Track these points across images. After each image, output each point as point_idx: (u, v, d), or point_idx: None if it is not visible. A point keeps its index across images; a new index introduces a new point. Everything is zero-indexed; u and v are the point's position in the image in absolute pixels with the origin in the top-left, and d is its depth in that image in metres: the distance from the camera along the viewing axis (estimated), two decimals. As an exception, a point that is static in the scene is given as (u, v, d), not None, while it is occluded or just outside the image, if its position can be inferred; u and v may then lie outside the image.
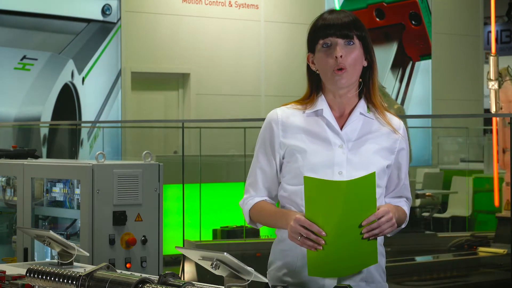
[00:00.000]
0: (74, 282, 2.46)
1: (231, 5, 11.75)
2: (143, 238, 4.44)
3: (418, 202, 10.16)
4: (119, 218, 4.36)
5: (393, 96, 12.89)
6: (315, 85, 2.78)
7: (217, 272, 2.44)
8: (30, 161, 4.88)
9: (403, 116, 13.01)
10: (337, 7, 12.27)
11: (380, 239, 2.74)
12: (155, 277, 2.43)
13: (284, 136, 2.75)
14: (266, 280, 2.41)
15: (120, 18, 10.87)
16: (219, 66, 11.60)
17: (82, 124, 10.64)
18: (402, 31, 12.89)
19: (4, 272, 2.86)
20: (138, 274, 2.48)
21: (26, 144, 9.91)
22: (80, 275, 2.46)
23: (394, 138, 2.77)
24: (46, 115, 10.32)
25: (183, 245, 7.15)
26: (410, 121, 12.82)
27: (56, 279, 2.51)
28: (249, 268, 2.38)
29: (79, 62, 10.58)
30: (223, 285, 2.45)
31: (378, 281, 2.74)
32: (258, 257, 7.26)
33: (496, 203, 8.29)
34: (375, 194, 2.56)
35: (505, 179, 8.20)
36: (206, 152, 9.67)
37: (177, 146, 9.53)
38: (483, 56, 14.10)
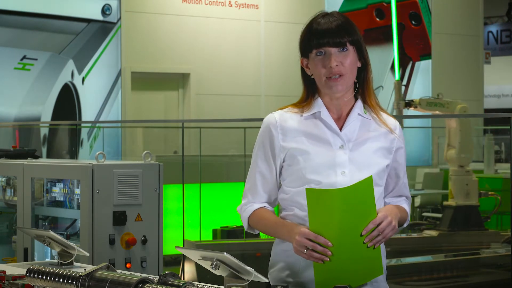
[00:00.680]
0: (74, 282, 2.46)
1: (231, 5, 11.75)
2: (143, 238, 4.44)
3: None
4: (119, 218, 4.36)
5: (393, 96, 12.90)
6: (311, 88, 2.79)
7: (217, 272, 2.44)
8: (30, 161, 4.88)
9: (403, 116, 13.02)
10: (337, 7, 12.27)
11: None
12: (155, 277, 2.43)
13: (284, 139, 2.75)
14: (266, 280, 2.41)
15: (120, 18, 10.87)
16: (219, 66, 11.60)
17: (82, 124, 10.64)
18: (402, 31, 12.89)
19: (4, 272, 2.86)
20: (138, 274, 2.48)
21: (25, 144, 9.91)
22: (80, 275, 2.46)
23: (391, 138, 2.79)
24: (46, 115, 10.31)
25: (183, 245, 7.15)
26: (410, 121, 12.82)
27: (56, 279, 2.51)
28: (249, 268, 2.38)
29: (79, 62, 10.58)
30: (223, 285, 2.45)
31: (380, 280, 2.75)
32: (258, 257, 7.26)
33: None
34: (374, 198, 2.56)
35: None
36: (206, 152, 9.68)
37: (177, 146, 9.53)
38: (483, 56, 14.11)
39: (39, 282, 2.57)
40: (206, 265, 2.44)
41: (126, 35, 10.93)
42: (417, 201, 10.90)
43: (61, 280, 2.50)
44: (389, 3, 12.73)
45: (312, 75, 2.76)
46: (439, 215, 10.66)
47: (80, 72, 10.58)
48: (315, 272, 2.57)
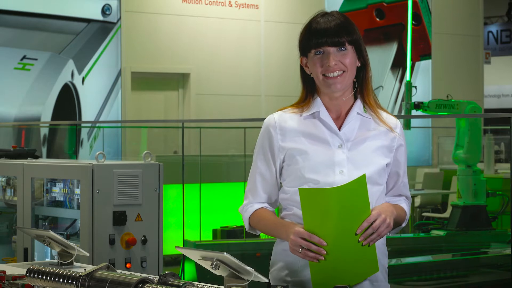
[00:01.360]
0: (74, 282, 2.46)
1: (231, 5, 11.75)
2: (143, 238, 4.44)
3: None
4: (119, 218, 4.36)
5: (393, 96, 12.91)
6: (310, 88, 2.80)
7: (217, 272, 2.44)
8: (30, 161, 4.88)
9: (403, 116, 13.01)
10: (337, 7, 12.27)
11: (382, 240, 2.74)
12: (155, 277, 2.43)
13: (283, 140, 2.76)
14: (266, 280, 2.41)
15: (120, 18, 10.87)
16: (219, 66, 11.60)
17: (82, 124, 10.64)
18: (402, 31, 12.89)
19: (4, 272, 2.86)
20: (138, 274, 2.48)
21: (26, 144, 9.91)
22: (80, 275, 2.46)
23: (392, 137, 2.79)
24: (46, 115, 10.32)
25: (183, 245, 7.15)
26: (410, 121, 12.80)
27: (56, 279, 2.51)
28: (249, 268, 2.38)
29: (79, 62, 10.58)
30: (223, 285, 2.45)
31: (381, 280, 2.75)
32: (258, 257, 7.26)
33: None
34: (368, 196, 2.56)
35: None
36: (206, 152, 9.68)
37: (177, 146, 9.53)
38: (483, 56, 14.11)
39: (39, 282, 2.57)
40: (206, 265, 2.45)
41: (126, 35, 10.93)
42: (417, 201, 10.90)
43: (61, 280, 2.50)
44: (389, 3, 12.73)
45: (311, 74, 2.76)
46: (439, 215, 10.66)
47: (80, 72, 10.58)
48: (311, 271, 2.59)
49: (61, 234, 3.84)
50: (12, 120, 10.16)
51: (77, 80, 10.57)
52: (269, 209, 2.82)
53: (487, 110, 17.01)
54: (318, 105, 2.77)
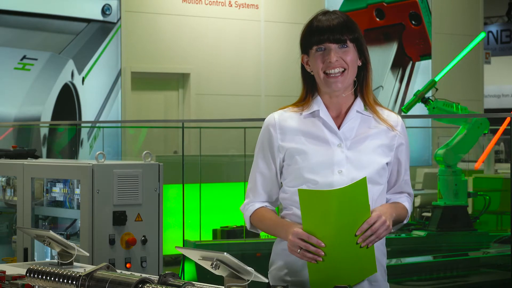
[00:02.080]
0: (74, 282, 2.46)
1: (231, 5, 11.75)
2: (143, 238, 4.44)
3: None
4: (119, 218, 4.36)
5: (393, 96, 12.91)
6: (310, 86, 2.80)
7: (217, 272, 2.44)
8: (30, 161, 4.88)
9: (403, 116, 12.98)
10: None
11: (381, 240, 2.74)
12: (155, 277, 2.43)
13: (282, 139, 2.76)
14: (266, 280, 2.41)
15: (120, 18, 10.87)
16: (219, 66, 11.60)
17: (82, 124, 10.64)
18: (402, 31, 12.89)
19: (4, 272, 2.86)
20: (138, 274, 2.48)
21: (26, 144, 9.91)
22: (80, 275, 2.46)
23: (392, 135, 2.78)
24: (46, 115, 10.31)
25: (183, 245, 7.15)
26: (410, 121, 12.81)
27: (56, 279, 2.51)
28: (249, 268, 2.38)
29: (79, 62, 10.58)
30: (223, 285, 2.45)
31: (380, 280, 2.76)
32: (258, 257, 7.26)
33: None
34: (368, 199, 2.56)
35: None
36: (206, 152, 9.67)
37: (177, 146, 9.53)
38: (483, 56, 14.11)
39: (39, 282, 2.57)
40: (206, 265, 2.45)
41: (126, 35, 10.93)
42: (417, 201, 10.89)
43: (61, 280, 2.50)
44: (389, 3, 12.73)
45: (311, 72, 2.76)
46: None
47: (80, 72, 10.58)
48: (309, 272, 2.59)
49: (61, 234, 3.84)
50: (12, 120, 10.16)
51: (77, 80, 10.56)
52: (270, 208, 2.82)
53: (487, 110, 17.00)
54: (318, 103, 2.77)
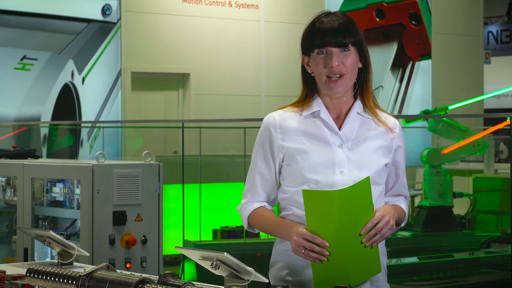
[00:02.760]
0: (74, 282, 2.46)
1: (231, 5, 11.75)
2: (143, 238, 4.44)
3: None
4: (119, 218, 4.36)
5: (393, 96, 12.91)
6: (310, 87, 2.80)
7: (217, 272, 2.44)
8: (30, 161, 4.88)
9: (403, 116, 12.98)
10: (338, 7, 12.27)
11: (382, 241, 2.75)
12: (155, 277, 2.43)
13: (282, 139, 2.76)
14: (266, 280, 2.41)
15: (120, 18, 10.87)
16: (219, 66, 11.60)
17: (82, 124, 10.64)
18: (402, 31, 12.89)
19: (4, 272, 2.86)
20: (138, 274, 2.48)
21: (26, 144, 9.91)
22: (80, 275, 2.46)
23: (391, 137, 2.79)
24: (46, 115, 10.31)
25: (183, 245, 7.15)
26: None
27: (56, 279, 2.51)
28: (249, 268, 2.38)
29: (79, 62, 10.58)
30: (223, 285, 2.45)
31: (381, 280, 2.76)
32: (258, 257, 7.26)
33: None
34: (372, 199, 2.56)
35: None
36: (206, 152, 9.67)
37: (177, 146, 9.53)
38: (483, 56, 14.10)
39: (39, 282, 2.57)
40: (206, 265, 2.45)
41: (126, 35, 10.93)
42: (417, 201, 10.89)
43: (61, 280, 2.50)
44: (389, 3, 12.73)
45: (312, 73, 2.76)
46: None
47: (80, 72, 10.58)
48: (313, 272, 2.58)
49: (61, 234, 3.84)
50: (12, 120, 10.16)
51: (77, 80, 10.56)
52: (268, 208, 2.82)
53: (487, 110, 17.00)
54: (318, 104, 2.77)
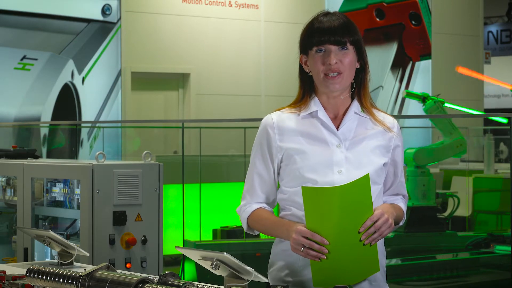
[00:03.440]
0: (74, 282, 2.46)
1: (231, 5, 11.75)
2: (143, 238, 4.44)
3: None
4: (119, 218, 4.36)
5: (393, 96, 12.91)
6: (308, 87, 2.80)
7: (217, 272, 2.44)
8: (30, 161, 4.88)
9: (403, 116, 12.98)
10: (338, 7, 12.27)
11: (381, 240, 2.75)
12: (155, 277, 2.43)
13: (281, 140, 2.76)
14: (266, 280, 2.41)
15: (120, 18, 10.87)
16: (219, 66, 11.60)
17: (82, 124, 10.64)
18: (402, 31, 12.89)
19: (4, 272, 2.86)
20: (138, 274, 2.48)
21: (26, 144, 9.91)
22: (80, 275, 2.46)
23: (389, 136, 2.80)
24: (46, 115, 10.32)
25: (183, 245, 7.15)
26: (410, 121, 12.81)
27: (56, 279, 2.51)
28: (249, 268, 2.38)
29: (79, 62, 10.58)
30: (223, 285, 2.45)
31: (380, 280, 2.76)
32: (258, 257, 7.26)
33: None
34: (371, 196, 2.57)
35: None
36: (206, 152, 9.67)
37: (177, 146, 9.53)
38: (483, 56, 14.11)
39: (39, 282, 2.57)
40: (206, 265, 2.45)
41: (126, 35, 10.93)
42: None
43: (61, 280, 2.50)
44: (389, 3, 12.73)
45: (310, 72, 2.77)
46: (439, 215, 10.65)
47: (80, 72, 10.58)
48: (312, 270, 2.58)
49: (61, 234, 3.84)
50: (12, 120, 10.16)
51: (77, 80, 10.57)
52: (268, 209, 2.82)
53: (487, 110, 17.01)
54: (316, 104, 2.78)
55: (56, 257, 3.19)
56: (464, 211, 10.14)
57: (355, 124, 2.77)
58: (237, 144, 9.57)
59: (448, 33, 13.39)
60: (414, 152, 8.32)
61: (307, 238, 2.55)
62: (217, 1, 11.64)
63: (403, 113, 12.83)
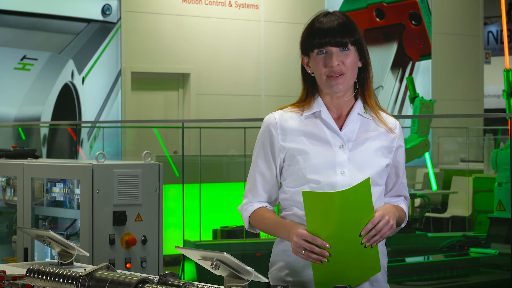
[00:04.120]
0: (74, 282, 2.46)
1: (231, 5, 11.75)
2: (143, 238, 4.44)
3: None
4: (119, 218, 4.36)
5: (393, 96, 12.91)
6: (311, 87, 2.80)
7: (217, 272, 2.44)
8: (30, 161, 4.88)
9: (403, 116, 12.97)
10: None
11: (382, 240, 2.75)
12: (155, 277, 2.43)
13: (283, 139, 2.76)
14: (266, 280, 2.41)
15: (120, 18, 10.87)
16: (219, 66, 11.60)
17: (82, 124, 10.64)
18: (402, 31, 12.89)
19: (4, 272, 2.86)
20: (138, 274, 2.48)
21: (26, 144, 9.91)
22: (80, 275, 2.46)
23: (392, 137, 2.79)
24: (46, 115, 10.31)
25: (183, 245, 7.15)
26: (410, 121, 12.80)
27: (56, 279, 2.51)
28: (249, 268, 2.38)
29: (79, 62, 10.58)
30: (223, 285, 2.45)
31: (381, 280, 2.76)
32: (258, 257, 7.26)
33: None
34: (372, 200, 2.56)
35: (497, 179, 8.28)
36: (206, 152, 9.67)
37: (177, 146, 9.53)
38: (483, 56, 14.10)
39: (39, 282, 2.57)
40: (206, 265, 2.45)
41: (126, 35, 10.93)
42: (417, 201, 10.90)
43: (61, 280, 2.50)
44: (389, 3, 12.73)
45: (312, 73, 2.76)
46: (440, 215, 10.66)
47: (80, 72, 10.58)
48: (313, 272, 2.58)
49: (61, 234, 3.84)
50: (12, 120, 10.16)
51: (77, 80, 10.56)
52: (269, 208, 2.81)
53: (487, 110, 17.00)
54: (319, 104, 2.77)
55: (56, 257, 3.19)
56: (464, 211, 10.15)
57: (358, 125, 2.76)
58: (237, 144, 9.56)
59: (448, 33, 13.39)
60: None
61: (308, 241, 2.55)
62: (217, 1, 11.64)
63: (403, 113, 12.82)
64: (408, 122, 12.61)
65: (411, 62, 13.08)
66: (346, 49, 2.70)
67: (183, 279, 2.89)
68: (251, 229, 2.84)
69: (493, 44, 20.24)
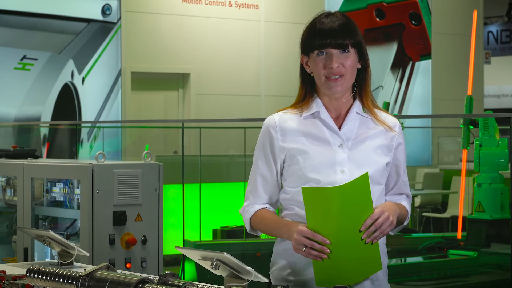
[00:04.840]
0: (74, 282, 2.46)
1: (231, 5, 11.75)
2: (143, 238, 4.44)
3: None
4: (119, 218, 4.36)
5: (393, 96, 12.91)
6: (309, 87, 2.80)
7: (217, 272, 2.44)
8: (30, 161, 4.88)
9: (403, 116, 12.97)
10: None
11: (382, 239, 2.75)
12: (155, 277, 2.43)
13: (283, 140, 2.77)
14: (266, 280, 2.41)
15: (120, 18, 10.87)
16: (219, 66, 11.60)
17: (82, 124, 10.64)
18: (402, 31, 12.89)
19: (4, 272, 2.86)
20: (138, 274, 2.48)
21: (26, 144, 9.91)
22: (80, 275, 2.46)
23: (391, 136, 2.80)
24: (46, 115, 10.32)
25: (183, 245, 7.15)
26: (410, 121, 12.81)
27: (56, 279, 2.51)
28: (249, 268, 2.38)
29: (79, 62, 10.58)
30: (223, 285, 2.45)
31: (382, 279, 2.76)
32: (258, 257, 7.26)
33: None
34: (371, 195, 2.57)
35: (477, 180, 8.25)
36: (206, 152, 9.68)
37: (177, 146, 9.53)
38: (483, 56, 14.10)
39: (39, 282, 2.57)
40: (206, 265, 2.45)
41: (126, 35, 10.93)
42: (417, 201, 10.90)
43: (61, 280, 2.50)
44: (389, 3, 12.73)
45: (311, 73, 2.77)
46: (440, 215, 10.66)
47: (80, 72, 10.58)
48: (314, 270, 2.59)
49: (61, 234, 3.84)
50: (12, 120, 10.16)
51: (77, 80, 10.57)
52: (270, 209, 2.82)
53: (487, 110, 16.99)
54: (318, 105, 2.77)
55: (56, 257, 3.19)
56: (464, 211, 10.13)
57: (357, 124, 2.77)
58: (237, 144, 9.57)
59: (448, 33, 13.39)
60: None
61: (308, 238, 2.56)
62: (217, 1, 11.64)
63: (403, 113, 12.83)
64: (408, 122, 12.62)
65: (411, 62, 13.09)
66: (346, 51, 2.71)
67: (183, 279, 2.89)
68: (252, 232, 2.84)
69: (493, 44, 20.25)
